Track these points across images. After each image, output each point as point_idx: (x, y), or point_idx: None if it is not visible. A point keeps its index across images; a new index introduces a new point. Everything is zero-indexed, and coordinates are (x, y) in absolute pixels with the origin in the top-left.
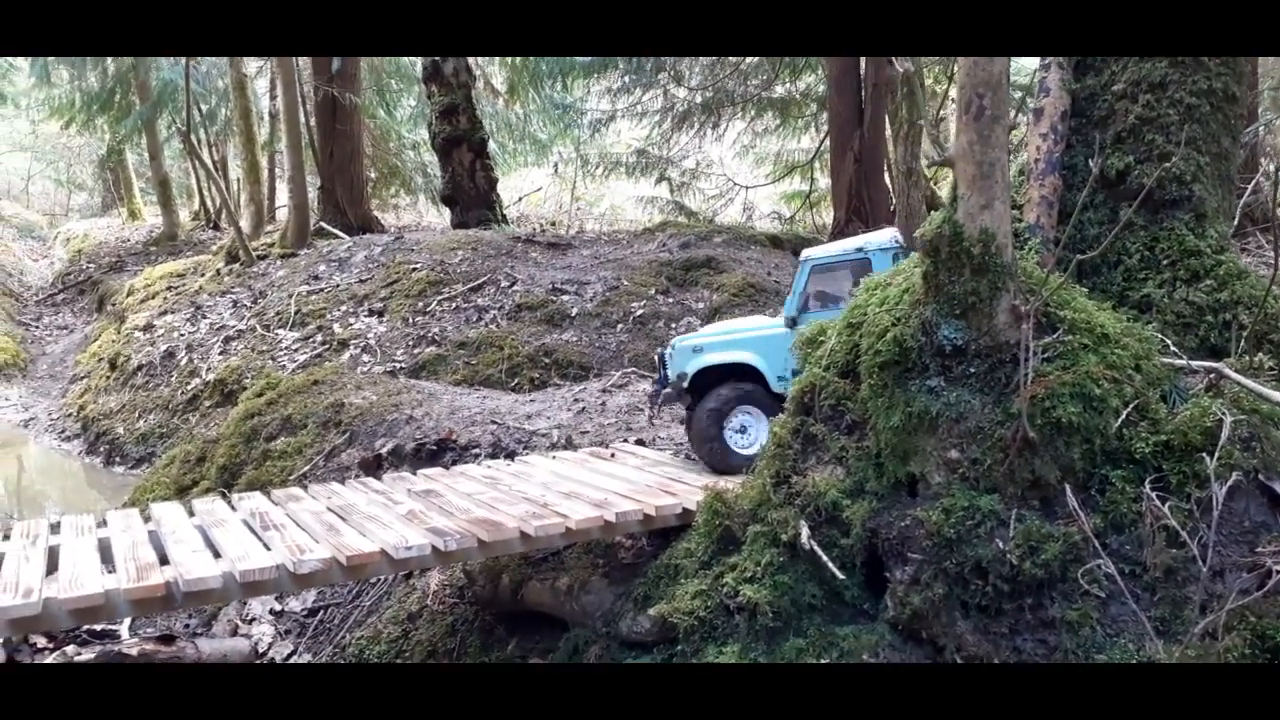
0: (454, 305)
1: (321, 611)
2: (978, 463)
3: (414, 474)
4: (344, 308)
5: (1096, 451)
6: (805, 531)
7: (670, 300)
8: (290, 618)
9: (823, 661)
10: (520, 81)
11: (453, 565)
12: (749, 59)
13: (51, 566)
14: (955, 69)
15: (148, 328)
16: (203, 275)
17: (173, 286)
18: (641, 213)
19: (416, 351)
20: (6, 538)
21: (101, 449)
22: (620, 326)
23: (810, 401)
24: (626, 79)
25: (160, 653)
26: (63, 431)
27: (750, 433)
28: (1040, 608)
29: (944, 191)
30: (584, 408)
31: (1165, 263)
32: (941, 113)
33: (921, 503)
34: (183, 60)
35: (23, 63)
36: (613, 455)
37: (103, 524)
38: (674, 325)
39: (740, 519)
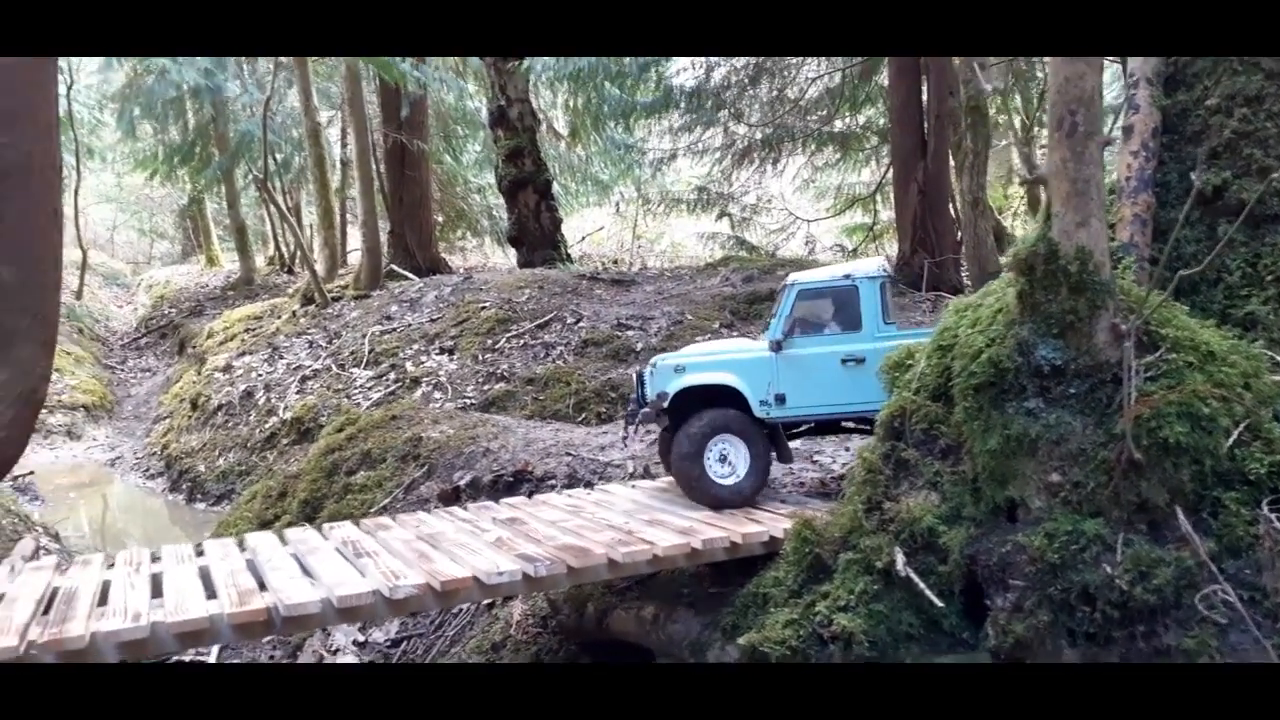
0: (522, 342)
1: (404, 642)
2: (1080, 486)
3: (496, 504)
4: (416, 346)
5: (1207, 473)
6: (900, 559)
7: (734, 334)
8: (374, 648)
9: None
10: (582, 124)
11: (536, 595)
12: (809, 95)
13: (155, 592)
14: (1045, 87)
15: (227, 369)
16: (279, 317)
17: (250, 329)
18: (703, 249)
19: (486, 388)
20: (111, 566)
21: (184, 486)
22: None
23: (900, 426)
24: (687, 118)
25: None
26: (147, 470)
27: (730, 462)
28: (1153, 635)
29: (1009, 221)
30: (654, 439)
31: (1270, 279)
32: (1010, 138)
33: (1022, 528)
34: (259, 112)
35: (110, 118)
36: None
37: (200, 553)
38: None
39: (830, 546)
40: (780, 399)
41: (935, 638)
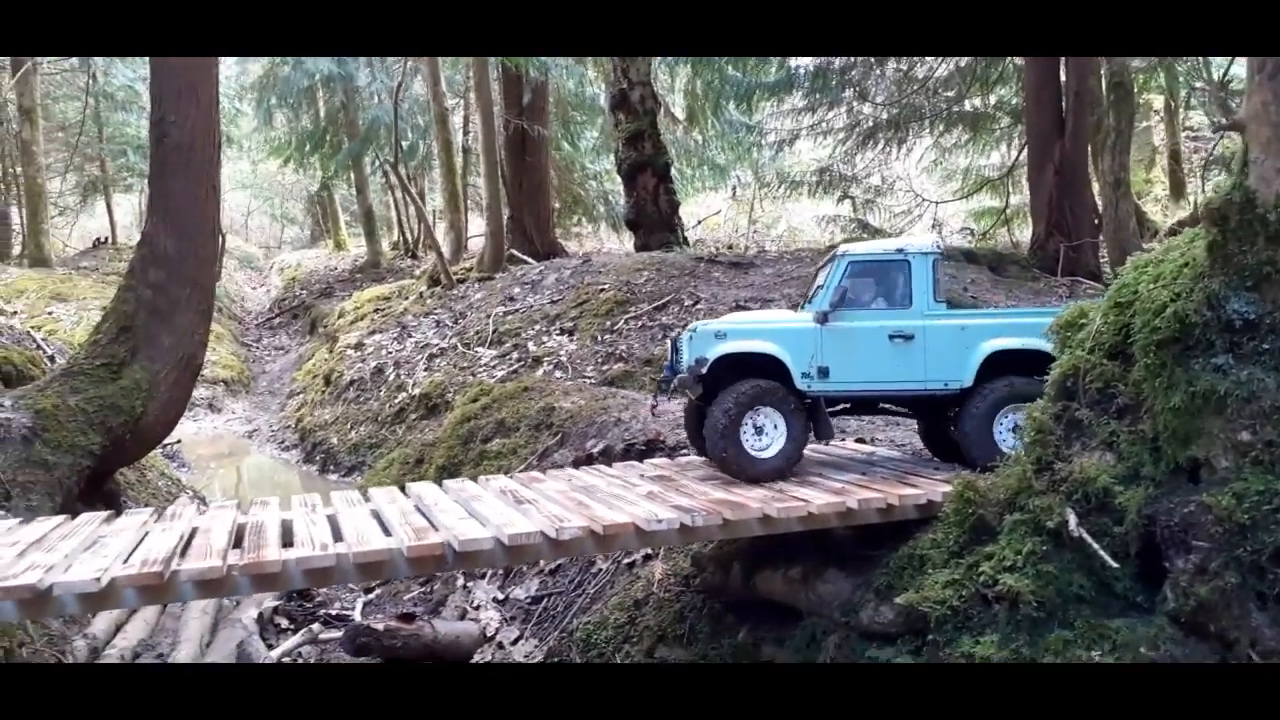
0: (640, 324)
1: (545, 599)
2: (1273, 445)
3: (641, 463)
4: (537, 327)
5: None
6: (1073, 519)
7: None
8: (514, 605)
9: (1089, 655)
10: (701, 107)
11: (678, 555)
12: (939, 73)
13: (334, 532)
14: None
15: (358, 346)
16: (407, 298)
17: (379, 309)
18: (822, 233)
19: (605, 368)
20: (288, 508)
21: (317, 458)
22: None
23: (1074, 386)
24: (810, 98)
25: (402, 630)
26: (282, 442)
27: (766, 435)
28: None
29: (1147, 206)
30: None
31: None
32: (1151, 119)
33: (1206, 488)
34: (387, 99)
35: (249, 108)
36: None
37: (368, 498)
38: None
39: (995, 508)
40: (823, 372)
41: (1107, 601)
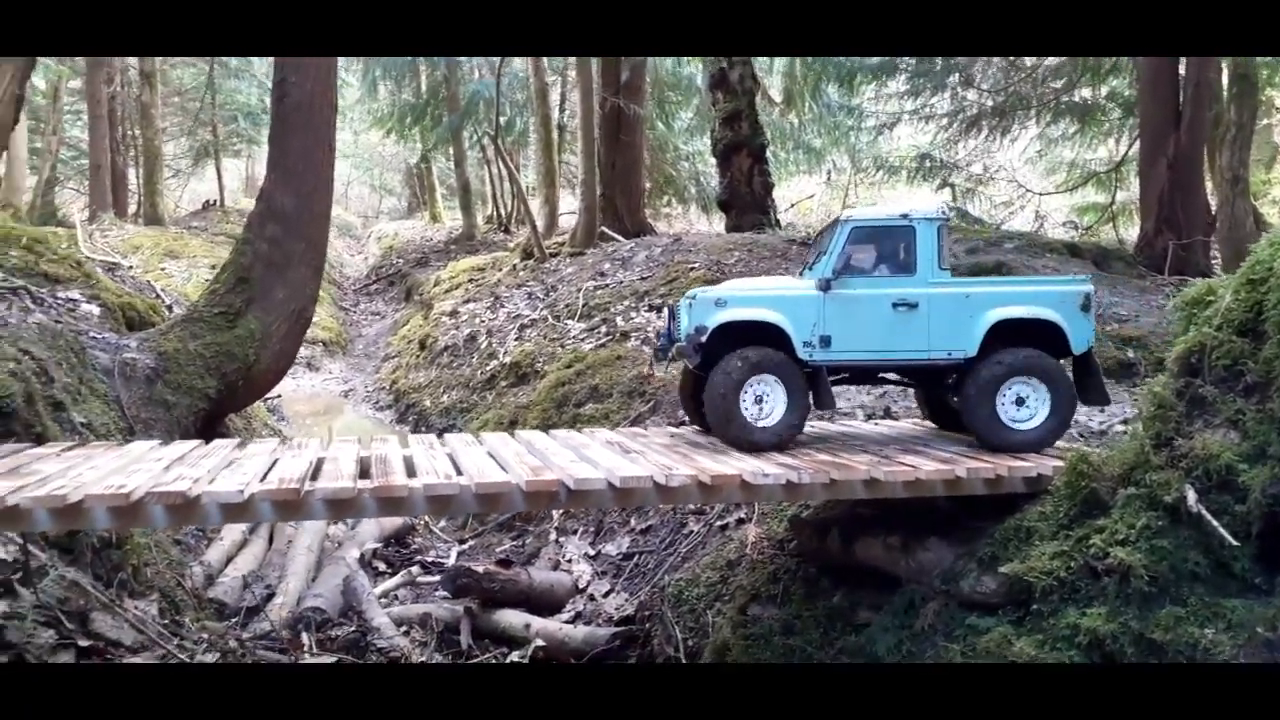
0: None
1: (636, 556)
2: None
3: None
4: (626, 302)
5: None
6: (1192, 495)
7: None
8: (605, 560)
9: (1201, 632)
10: (798, 89)
11: (772, 518)
12: (1048, 61)
13: (456, 468)
14: None
15: (453, 314)
16: (500, 270)
17: (474, 279)
18: None
19: None
20: (407, 444)
21: (410, 419)
22: None
23: (1198, 362)
24: (913, 82)
25: (500, 574)
26: (377, 402)
27: (767, 404)
28: None
29: (1264, 207)
30: (884, 391)
31: None
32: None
33: None
34: (487, 74)
35: (354, 79)
36: None
37: (481, 441)
38: None
39: (1108, 482)
40: (825, 341)
41: (1223, 580)
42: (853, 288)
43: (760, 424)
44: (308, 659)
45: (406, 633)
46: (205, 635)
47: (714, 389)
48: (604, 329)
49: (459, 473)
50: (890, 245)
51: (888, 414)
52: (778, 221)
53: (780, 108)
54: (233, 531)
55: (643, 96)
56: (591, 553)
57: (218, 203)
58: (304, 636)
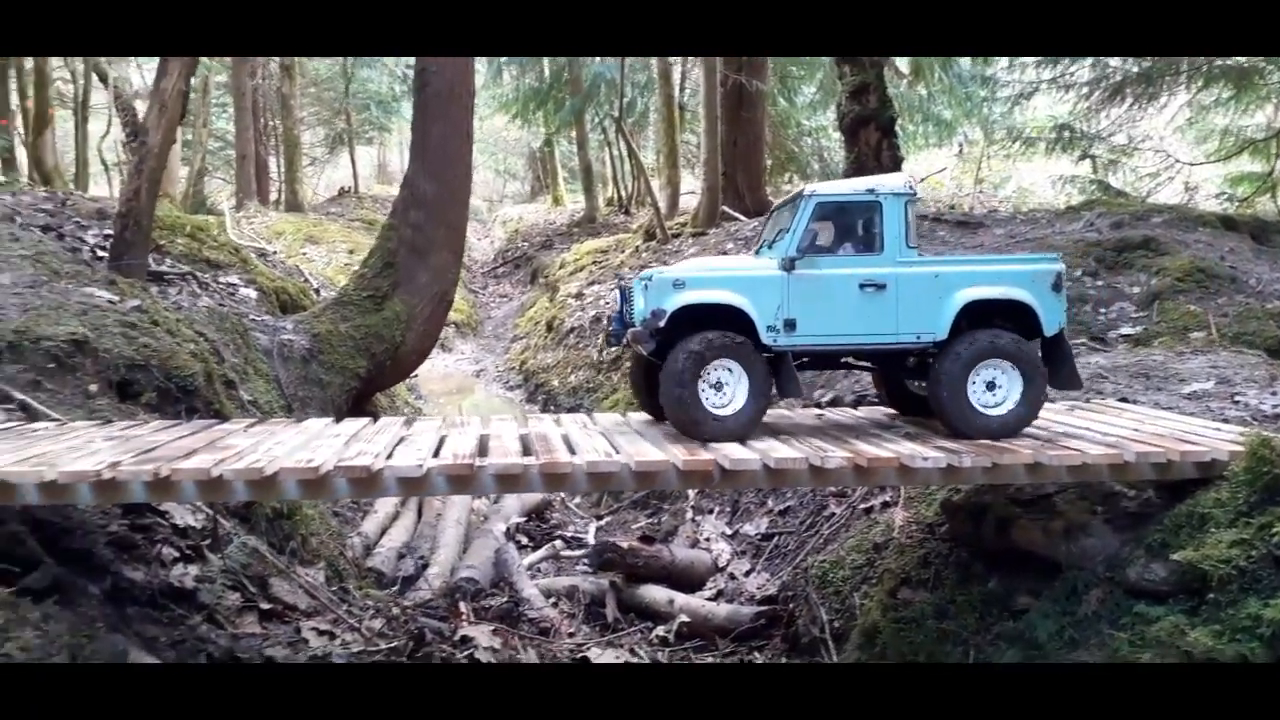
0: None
1: (775, 537)
2: None
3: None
4: None
5: None
6: None
7: (1099, 283)
8: (743, 540)
9: None
10: (927, 60)
11: (921, 501)
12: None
13: (613, 446)
14: None
15: (578, 296)
16: (623, 251)
17: (597, 261)
18: (1056, 193)
19: None
20: (561, 425)
21: (539, 398)
22: None
23: None
24: None
25: (643, 550)
26: (507, 382)
27: (726, 391)
28: None
29: None
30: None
31: None
32: None
33: None
34: (611, 57)
35: (480, 65)
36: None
37: (629, 423)
38: (1103, 310)
39: None
40: (790, 325)
41: None
42: (818, 267)
43: (719, 412)
44: (466, 627)
45: (555, 604)
46: (369, 602)
47: (670, 374)
48: None
49: (617, 450)
50: (856, 222)
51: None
52: None
53: (909, 79)
54: (385, 505)
55: (765, 72)
56: (729, 532)
57: (352, 189)
58: (462, 606)
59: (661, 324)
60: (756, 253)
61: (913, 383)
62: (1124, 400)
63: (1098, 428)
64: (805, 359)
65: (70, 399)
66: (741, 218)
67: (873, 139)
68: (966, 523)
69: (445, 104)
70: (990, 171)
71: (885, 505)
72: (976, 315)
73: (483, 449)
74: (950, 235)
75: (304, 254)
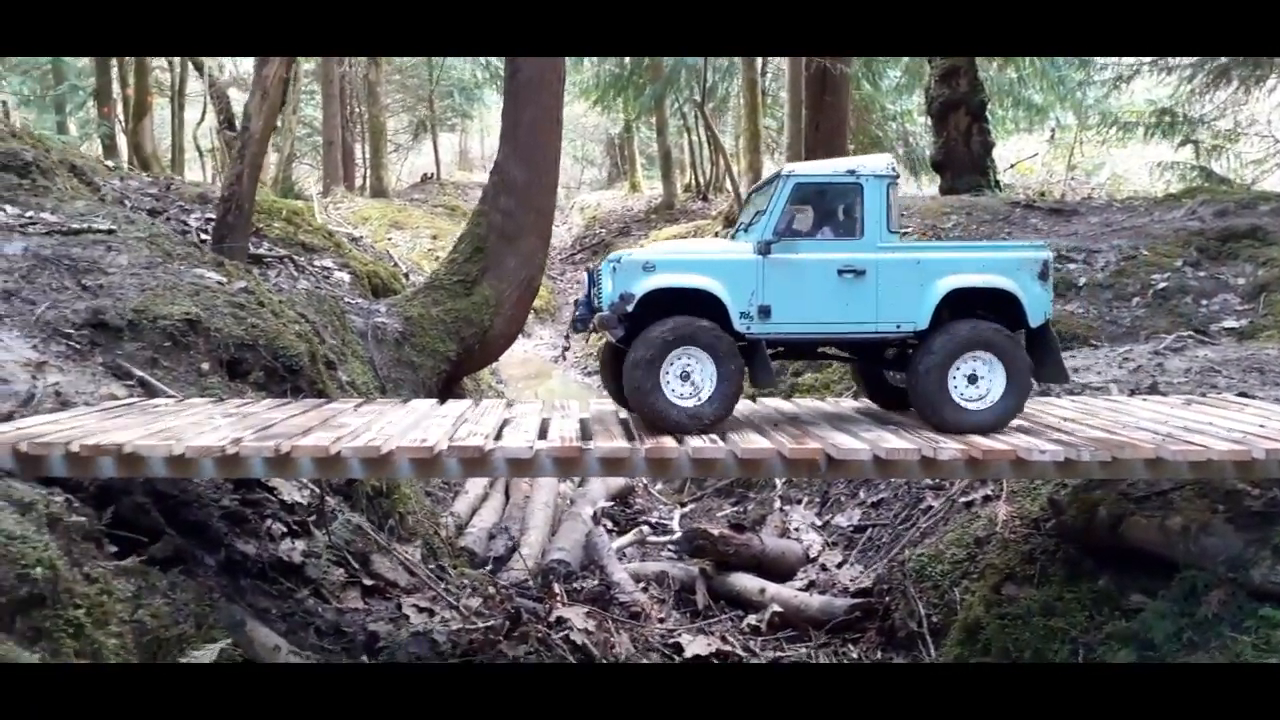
0: None
1: (869, 529)
2: None
3: None
4: None
5: None
6: None
7: (1201, 274)
8: (834, 531)
9: None
10: None
11: (1024, 497)
12: None
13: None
14: None
15: None
16: (702, 238)
17: None
18: (1155, 181)
19: None
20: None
21: None
22: (1136, 300)
23: None
24: None
25: (735, 538)
26: (584, 368)
27: (694, 381)
28: None
29: None
30: (1138, 366)
31: None
32: None
33: None
34: None
35: None
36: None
37: None
38: (1205, 301)
39: None
40: (764, 312)
41: None
42: (795, 252)
43: (684, 403)
44: (561, 608)
45: (645, 589)
46: (465, 580)
47: (634, 362)
48: None
49: (721, 438)
50: (835, 205)
51: (1154, 390)
52: (997, 183)
53: (999, 62)
54: (475, 486)
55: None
56: (819, 523)
57: (434, 175)
58: (555, 587)
59: (629, 308)
60: (734, 236)
61: (892, 374)
62: (1243, 395)
63: (1220, 423)
64: (780, 348)
65: (184, 376)
66: None
67: (962, 124)
68: (1079, 517)
69: (536, 90)
70: (1083, 157)
71: (986, 499)
72: (960, 305)
73: (585, 433)
74: (1043, 223)
75: (389, 239)
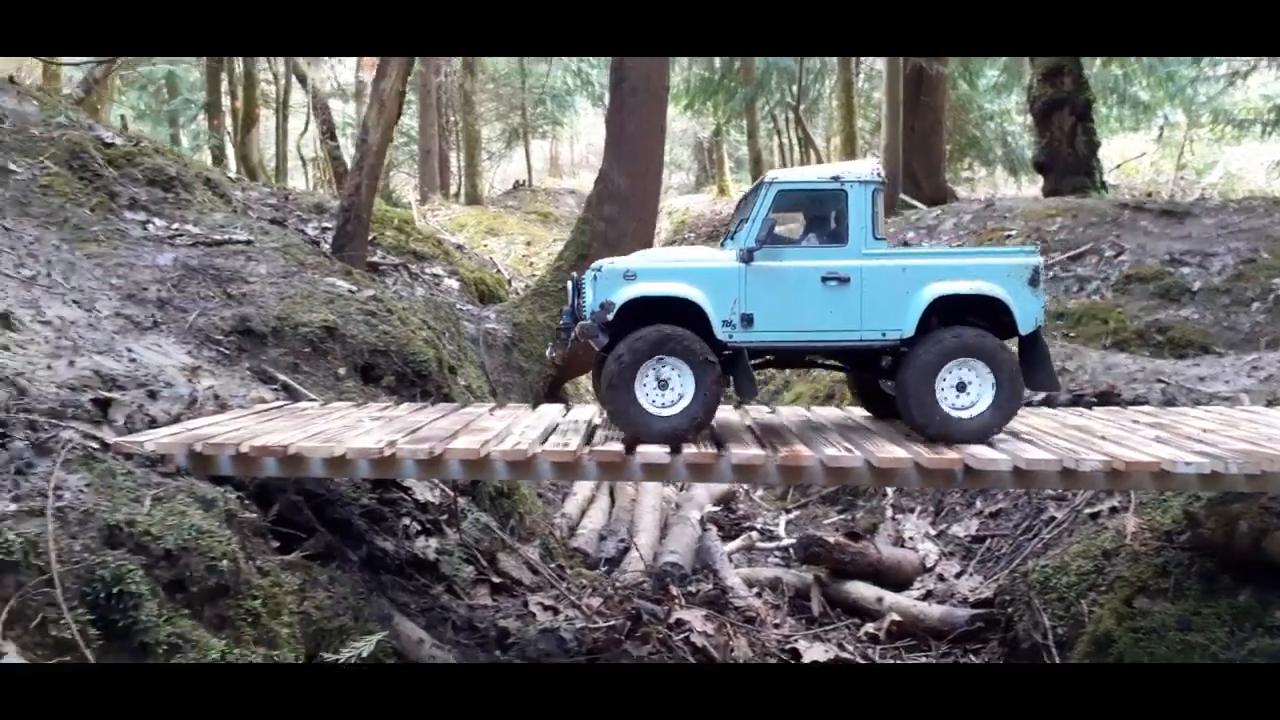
0: (1051, 274)
1: (987, 540)
2: None
3: (1124, 409)
4: None
5: None
6: None
7: None
8: (951, 541)
9: None
10: None
11: (1154, 509)
12: None
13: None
14: None
15: None
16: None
17: None
18: (1271, 180)
19: None
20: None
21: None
22: (1256, 305)
23: None
24: None
25: (850, 546)
26: None
27: (671, 390)
28: None
29: None
30: (1269, 375)
31: None
32: None
33: None
34: None
35: None
36: None
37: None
38: None
39: None
40: (747, 320)
41: None
42: (778, 259)
43: (661, 411)
44: (679, 611)
45: (758, 594)
46: (584, 580)
47: (609, 371)
48: None
49: (855, 447)
50: (820, 211)
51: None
52: (1103, 184)
53: (1102, 60)
54: (583, 488)
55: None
56: (933, 532)
57: (526, 182)
58: (672, 589)
59: (610, 316)
60: (722, 244)
61: (885, 383)
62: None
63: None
64: (767, 356)
65: (322, 380)
66: (920, 205)
67: (1066, 123)
68: (1215, 531)
69: (641, 99)
70: (1193, 156)
71: (1113, 510)
72: (950, 312)
73: (717, 440)
74: (1153, 225)
75: (485, 245)
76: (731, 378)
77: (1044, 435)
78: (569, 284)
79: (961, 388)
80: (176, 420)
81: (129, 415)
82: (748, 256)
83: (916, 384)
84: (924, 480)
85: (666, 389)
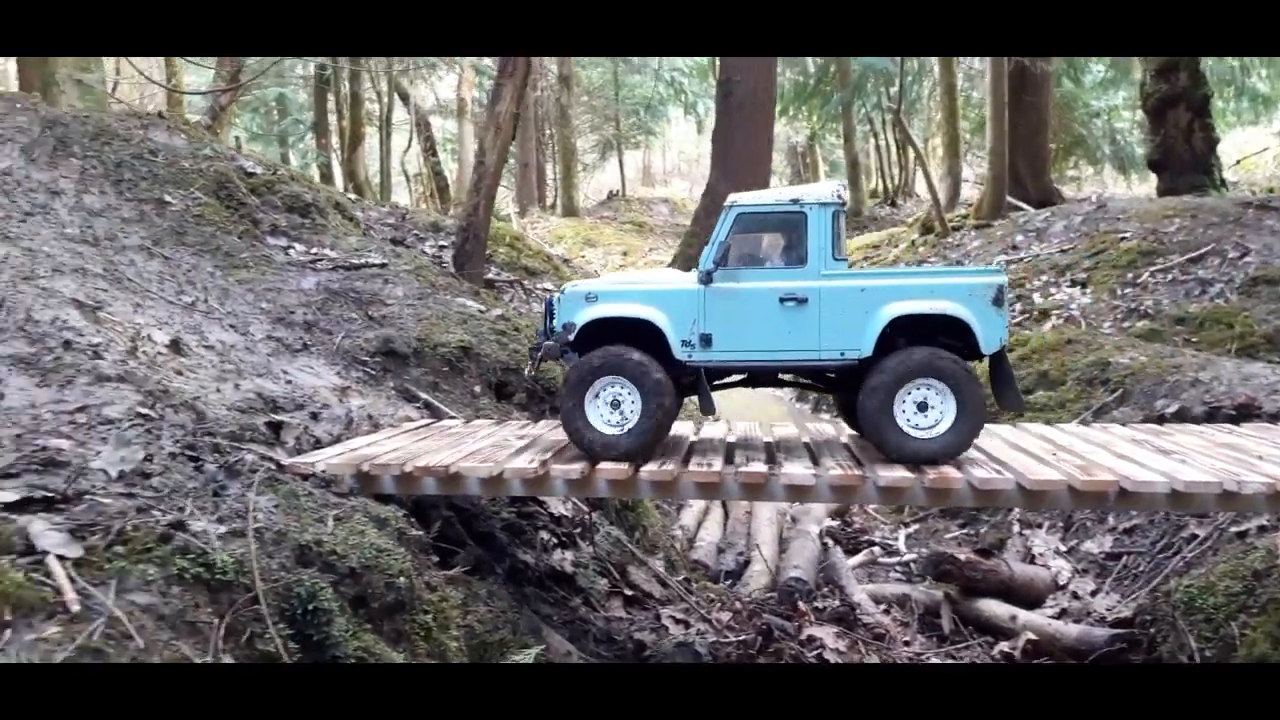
0: (1170, 277)
1: (1123, 557)
2: None
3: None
4: (1044, 278)
5: None
6: None
7: None
8: (1084, 557)
9: None
10: None
11: None
12: None
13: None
14: None
15: None
16: (897, 246)
17: (869, 256)
18: None
19: (1125, 325)
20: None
21: (808, 398)
22: None
23: None
24: None
25: (982, 564)
26: (796, 394)
27: (623, 408)
28: None
29: None
30: None
31: None
32: None
33: None
34: None
35: None
36: None
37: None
38: None
39: None
40: (705, 340)
41: None
42: (737, 280)
43: (611, 431)
44: (810, 627)
45: (886, 611)
46: (710, 594)
47: (561, 391)
48: (1019, 306)
49: (1003, 468)
50: (780, 233)
51: None
52: (1223, 181)
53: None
54: (697, 501)
55: None
56: (1063, 548)
57: (620, 193)
58: (801, 605)
59: (571, 338)
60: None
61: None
62: None
63: None
64: (734, 376)
65: (460, 398)
66: (1026, 208)
67: (1182, 120)
68: None
69: (749, 111)
70: None
71: (1262, 529)
72: (918, 332)
73: (856, 459)
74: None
75: (583, 256)
76: (697, 396)
77: (1195, 454)
78: (544, 304)
79: (923, 407)
80: (338, 440)
81: (297, 436)
82: (707, 278)
83: (875, 404)
84: (1076, 502)
85: (618, 409)
